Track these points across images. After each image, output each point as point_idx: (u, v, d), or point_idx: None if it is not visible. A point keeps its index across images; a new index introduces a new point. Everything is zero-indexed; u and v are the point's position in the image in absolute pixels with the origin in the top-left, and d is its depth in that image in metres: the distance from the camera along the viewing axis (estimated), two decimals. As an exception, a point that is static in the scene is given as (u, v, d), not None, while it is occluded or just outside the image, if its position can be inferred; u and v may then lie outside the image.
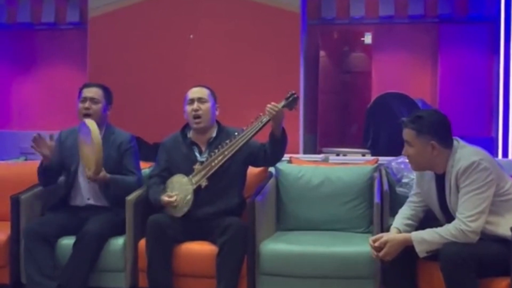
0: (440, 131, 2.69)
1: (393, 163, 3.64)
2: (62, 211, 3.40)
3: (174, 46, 5.53)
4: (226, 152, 3.24)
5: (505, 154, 5.37)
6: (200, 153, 3.37)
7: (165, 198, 3.22)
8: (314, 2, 5.87)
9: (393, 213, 3.01)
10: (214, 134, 3.39)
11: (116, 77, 5.28)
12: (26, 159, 4.23)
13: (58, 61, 6.53)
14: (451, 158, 2.67)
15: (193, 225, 3.23)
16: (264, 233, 3.29)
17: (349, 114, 6.83)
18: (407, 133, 2.71)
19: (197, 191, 3.24)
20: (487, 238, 2.59)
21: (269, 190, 3.45)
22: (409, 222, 2.83)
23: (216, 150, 3.26)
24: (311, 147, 5.97)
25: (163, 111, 5.35)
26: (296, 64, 5.41)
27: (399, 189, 3.49)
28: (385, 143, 5.21)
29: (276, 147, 3.23)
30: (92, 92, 3.46)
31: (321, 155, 4.77)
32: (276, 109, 3.12)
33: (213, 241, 3.19)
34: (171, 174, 3.35)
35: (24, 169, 3.84)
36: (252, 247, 3.14)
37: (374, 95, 5.73)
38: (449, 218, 2.68)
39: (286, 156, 3.55)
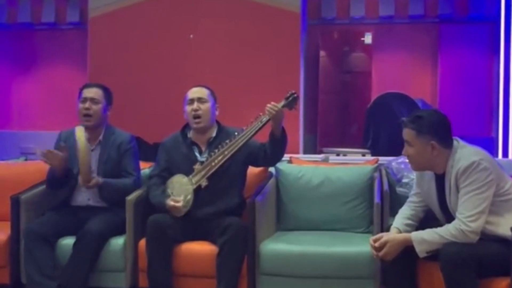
0: (440, 131, 2.69)
1: (393, 163, 3.64)
2: (62, 211, 3.40)
3: (174, 46, 5.53)
4: (226, 152, 3.24)
5: (505, 154, 5.37)
6: (200, 153, 3.38)
7: (171, 202, 3.22)
8: (314, 2, 5.87)
9: (393, 213, 3.01)
10: (214, 134, 3.39)
11: (116, 77, 5.28)
12: (26, 159, 4.23)
13: (58, 61, 6.53)
14: (451, 158, 2.67)
15: (193, 225, 3.22)
16: (264, 233, 3.29)
17: (349, 114, 6.83)
18: (407, 133, 2.71)
19: (197, 191, 3.24)
20: (487, 238, 2.59)
21: (269, 190, 3.45)
22: (409, 222, 2.83)
23: (216, 150, 3.26)
24: (311, 147, 5.97)
25: (163, 111, 5.35)
26: (296, 64, 5.41)
27: (399, 189, 3.49)
28: (385, 143, 5.21)
29: (276, 147, 3.23)
30: (92, 92, 3.46)
31: (321, 155, 4.77)
32: (276, 108, 3.12)
33: (213, 241, 3.19)
34: (171, 174, 3.35)
35: (24, 169, 3.85)
36: (252, 247, 3.14)
37: (374, 95, 5.73)
38: (449, 218, 2.68)
39: (286, 156, 3.55)
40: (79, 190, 3.42)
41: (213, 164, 3.24)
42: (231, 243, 3.09)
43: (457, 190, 2.63)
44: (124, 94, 4.85)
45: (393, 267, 2.75)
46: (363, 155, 5.37)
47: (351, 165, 3.87)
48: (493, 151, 5.39)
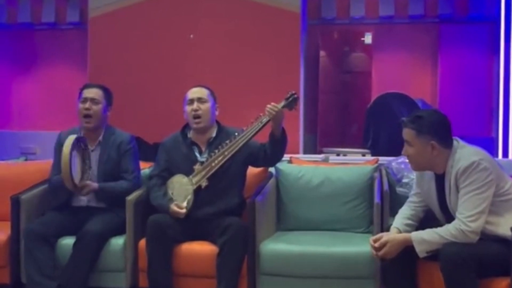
0: (440, 131, 2.69)
1: (393, 163, 3.64)
2: (62, 211, 3.40)
3: (174, 46, 5.52)
4: (226, 153, 3.24)
5: (505, 154, 5.37)
6: (200, 153, 3.38)
7: (175, 208, 3.21)
8: (314, 2, 5.87)
9: (393, 213, 3.01)
10: (214, 134, 3.39)
11: (116, 77, 5.28)
12: (26, 159, 4.23)
13: (58, 61, 6.53)
14: (451, 158, 2.67)
15: (193, 225, 3.23)
16: (264, 233, 3.29)
17: (349, 114, 6.83)
18: (407, 133, 2.71)
19: (197, 191, 3.24)
20: (487, 238, 2.59)
21: (269, 190, 3.45)
22: (409, 222, 2.83)
23: (216, 151, 3.26)
24: (311, 147, 5.97)
25: (163, 111, 5.35)
26: (296, 64, 5.41)
27: (399, 189, 3.49)
28: (385, 143, 5.21)
29: (276, 147, 3.23)
30: (92, 92, 3.46)
31: (321, 155, 4.77)
32: (276, 109, 3.12)
33: (213, 241, 3.19)
34: (171, 174, 3.35)
35: (24, 169, 3.85)
36: (252, 247, 3.14)
37: (374, 95, 5.73)
38: (449, 218, 2.68)
39: (286, 156, 3.55)
40: (79, 191, 3.43)
41: (213, 164, 3.24)
42: (231, 243, 3.09)
43: (457, 190, 2.63)
44: (124, 94, 4.85)
45: (393, 267, 2.75)
46: (363, 155, 5.37)
47: (351, 165, 3.87)
48: (493, 151, 5.39)
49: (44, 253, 3.19)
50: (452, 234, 2.55)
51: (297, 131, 5.33)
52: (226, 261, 3.08)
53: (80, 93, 3.49)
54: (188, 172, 3.29)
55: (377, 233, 2.95)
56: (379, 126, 5.33)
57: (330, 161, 4.41)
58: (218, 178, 3.26)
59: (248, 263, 3.14)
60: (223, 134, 3.37)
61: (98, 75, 5.28)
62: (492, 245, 2.57)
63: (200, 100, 3.36)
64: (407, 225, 2.81)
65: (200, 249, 3.20)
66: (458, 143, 2.71)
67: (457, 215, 2.59)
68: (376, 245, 2.70)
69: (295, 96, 3.21)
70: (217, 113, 3.45)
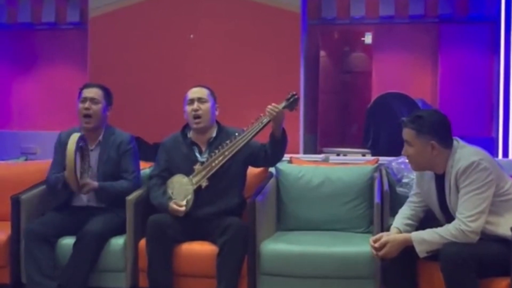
0: (440, 131, 2.69)
1: (393, 163, 3.64)
2: (62, 211, 3.40)
3: (174, 46, 5.53)
4: (226, 153, 3.24)
5: (505, 154, 5.37)
6: (200, 153, 3.38)
7: (174, 206, 3.21)
8: (314, 2, 5.87)
9: (393, 213, 3.00)
10: (214, 134, 3.39)
11: (116, 77, 5.28)
12: (26, 159, 4.23)
13: (58, 61, 6.53)
14: (451, 158, 2.67)
15: (194, 225, 3.23)
16: (265, 233, 3.29)
17: (349, 114, 6.84)
18: (407, 133, 2.71)
19: (198, 191, 3.24)
20: (487, 238, 2.59)
21: (269, 190, 3.45)
22: (409, 222, 2.83)
23: (217, 151, 3.26)
24: (311, 147, 5.97)
25: (163, 111, 5.35)
26: (296, 64, 5.41)
27: (399, 189, 3.49)
28: (385, 143, 5.21)
29: (277, 147, 3.23)
30: (92, 92, 3.46)
31: (321, 155, 4.77)
32: (277, 110, 3.12)
33: (213, 241, 3.19)
34: (171, 174, 3.35)
35: (24, 169, 3.85)
36: (252, 247, 3.14)
37: (374, 95, 5.73)
38: (449, 218, 2.68)
39: (286, 156, 3.55)
40: (79, 191, 3.43)
41: (213, 164, 3.24)
42: (231, 243, 3.09)
43: (457, 190, 2.63)
44: (124, 94, 4.85)
45: (393, 267, 2.75)
46: (363, 155, 5.37)
47: (351, 165, 3.87)
48: (493, 151, 5.39)
49: (44, 253, 3.19)
50: (452, 234, 2.55)
51: (297, 131, 5.33)
52: (226, 261, 3.08)
53: (80, 93, 3.49)
54: (188, 172, 3.29)
55: (377, 233, 2.95)
56: (379, 126, 5.33)
57: (330, 161, 4.41)
58: (218, 178, 3.25)
59: (248, 263, 3.14)
60: (223, 134, 3.37)
61: (98, 75, 5.28)
62: (492, 245, 2.57)
63: (200, 100, 3.36)
64: (407, 225, 2.81)
65: (200, 249, 3.20)
66: (458, 143, 2.71)
67: (457, 215, 2.59)
68: (376, 245, 2.70)
69: (296, 96, 3.21)
70: (217, 113, 3.45)
